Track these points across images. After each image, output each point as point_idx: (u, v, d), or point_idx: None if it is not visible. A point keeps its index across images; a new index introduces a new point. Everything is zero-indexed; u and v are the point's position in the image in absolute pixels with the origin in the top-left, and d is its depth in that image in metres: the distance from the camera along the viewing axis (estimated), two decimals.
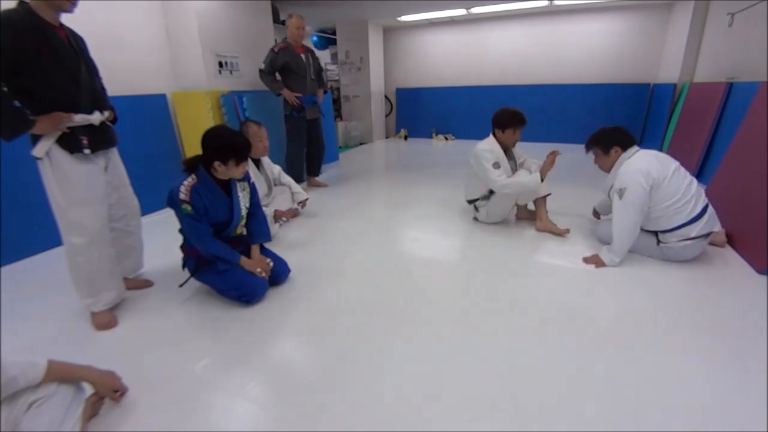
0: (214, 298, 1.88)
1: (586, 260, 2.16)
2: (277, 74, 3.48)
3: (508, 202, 2.61)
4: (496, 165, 2.47)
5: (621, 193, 2.02)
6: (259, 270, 1.84)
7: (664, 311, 1.72)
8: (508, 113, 2.51)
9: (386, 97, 7.38)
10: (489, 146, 2.52)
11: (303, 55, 3.52)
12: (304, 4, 4.92)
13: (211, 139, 1.67)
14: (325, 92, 3.88)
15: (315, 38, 7.40)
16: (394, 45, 7.25)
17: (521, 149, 2.72)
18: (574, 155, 5.38)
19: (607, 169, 2.23)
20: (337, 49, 6.71)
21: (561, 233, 2.47)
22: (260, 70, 3.45)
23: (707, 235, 2.03)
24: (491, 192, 2.61)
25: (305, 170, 3.98)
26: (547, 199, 2.61)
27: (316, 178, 4.03)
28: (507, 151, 2.61)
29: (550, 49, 6.11)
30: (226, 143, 1.66)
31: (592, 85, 5.98)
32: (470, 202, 2.78)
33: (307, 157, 3.93)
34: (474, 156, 2.55)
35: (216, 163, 1.66)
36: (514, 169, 2.63)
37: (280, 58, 3.39)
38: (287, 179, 2.96)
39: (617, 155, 2.15)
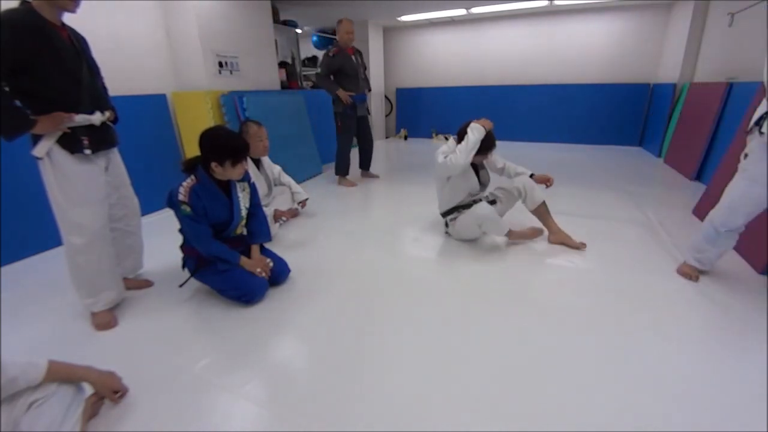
0: (214, 298, 1.88)
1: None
2: (331, 76, 3.74)
3: (473, 227, 2.38)
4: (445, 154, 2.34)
5: None
6: (259, 270, 1.84)
7: (663, 311, 1.72)
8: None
9: (386, 97, 7.38)
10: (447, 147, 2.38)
11: (353, 57, 3.80)
12: (304, 4, 4.92)
13: (208, 140, 1.66)
14: (369, 90, 4.12)
15: (315, 38, 7.39)
16: (394, 45, 7.25)
17: (499, 155, 2.48)
18: (575, 155, 5.42)
19: None
20: None
21: (577, 246, 2.32)
22: (317, 74, 3.76)
23: None
24: (460, 208, 2.46)
25: (358, 165, 4.26)
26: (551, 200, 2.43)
27: (369, 171, 4.30)
28: (477, 169, 2.44)
29: (550, 49, 6.11)
30: (223, 144, 1.66)
31: (592, 85, 5.98)
32: (443, 215, 2.58)
33: (360, 153, 4.22)
34: (435, 158, 2.38)
35: (213, 164, 1.66)
36: (487, 182, 2.50)
37: (336, 61, 3.66)
38: (287, 179, 2.96)
39: None
